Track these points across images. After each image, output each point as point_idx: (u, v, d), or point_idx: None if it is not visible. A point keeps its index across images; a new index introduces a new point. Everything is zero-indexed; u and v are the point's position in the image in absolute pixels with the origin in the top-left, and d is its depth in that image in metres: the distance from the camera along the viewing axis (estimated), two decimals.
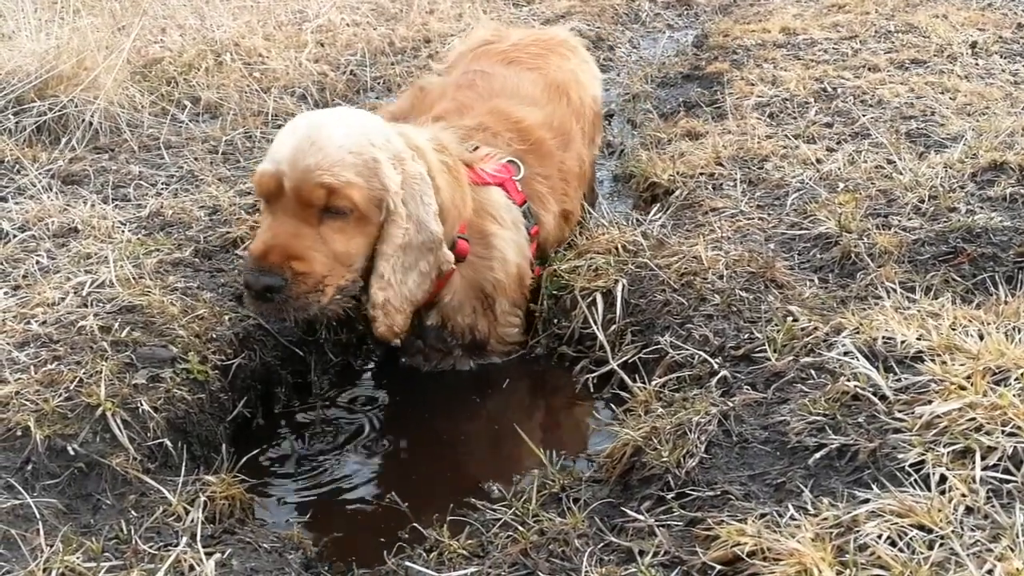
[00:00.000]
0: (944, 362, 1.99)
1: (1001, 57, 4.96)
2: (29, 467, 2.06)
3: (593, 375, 2.81)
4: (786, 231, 3.07)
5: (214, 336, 2.64)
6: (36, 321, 2.56)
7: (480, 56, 3.54)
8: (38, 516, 1.95)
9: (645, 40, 7.36)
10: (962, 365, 1.96)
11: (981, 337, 2.08)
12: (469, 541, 2.02)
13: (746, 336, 2.45)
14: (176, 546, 1.92)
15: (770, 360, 2.29)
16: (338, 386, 2.94)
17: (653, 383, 2.46)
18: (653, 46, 7.09)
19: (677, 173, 3.77)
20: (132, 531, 1.98)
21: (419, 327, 2.64)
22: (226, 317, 2.73)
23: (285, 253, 2.33)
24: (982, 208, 3.00)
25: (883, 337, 2.16)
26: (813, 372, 2.17)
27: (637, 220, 3.39)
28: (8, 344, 2.44)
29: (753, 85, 4.79)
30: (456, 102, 3.14)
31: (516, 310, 2.97)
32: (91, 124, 4.32)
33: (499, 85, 3.24)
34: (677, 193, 3.61)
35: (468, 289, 2.79)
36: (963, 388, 1.88)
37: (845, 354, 2.13)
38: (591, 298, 2.93)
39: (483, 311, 2.88)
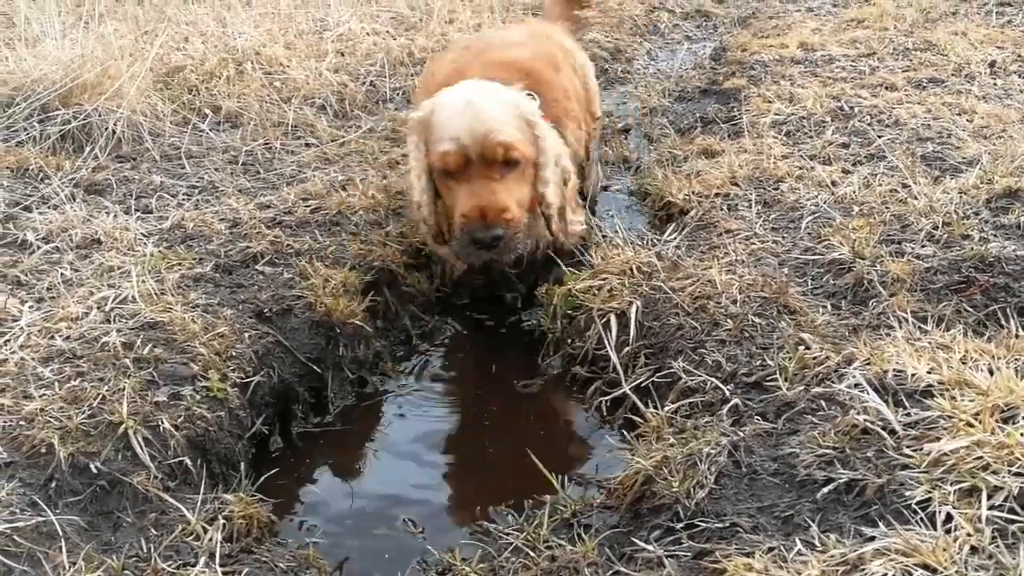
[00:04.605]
0: (953, 397, 2.01)
1: (1020, 77, 4.95)
2: (53, 484, 2.11)
3: (606, 398, 2.84)
4: (800, 255, 3.09)
5: (234, 354, 2.68)
6: (60, 336, 2.61)
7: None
8: (61, 533, 2.00)
9: (663, 52, 7.38)
10: (971, 401, 1.98)
11: (991, 372, 2.10)
12: (481, 565, 2.06)
13: (758, 363, 2.48)
14: (195, 565, 1.98)
15: (781, 389, 2.31)
16: (352, 404, 2.99)
17: (665, 408, 2.49)
18: (671, 58, 7.12)
19: (692, 192, 3.80)
20: (152, 549, 2.03)
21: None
22: (246, 335, 2.77)
23: (497, 208, 2.84)
24: (995, 236, 3.00)
25: (894, 370, 2.18)
26: (823, 403, 2.20)
27: (652, 241, 3.42)
28: (33, 359, 2.49)
29: (770, 102, 4.81)
30: (454, 65, 3.48)
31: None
32: (114, 133, 4.37)
33: (488, 39, 3.87)
34: (692, 213, 3.64)
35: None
36: (971, 425, 1.90)
37: (855, 386, 2.16)
38: (605, 319, 2.97)
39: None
